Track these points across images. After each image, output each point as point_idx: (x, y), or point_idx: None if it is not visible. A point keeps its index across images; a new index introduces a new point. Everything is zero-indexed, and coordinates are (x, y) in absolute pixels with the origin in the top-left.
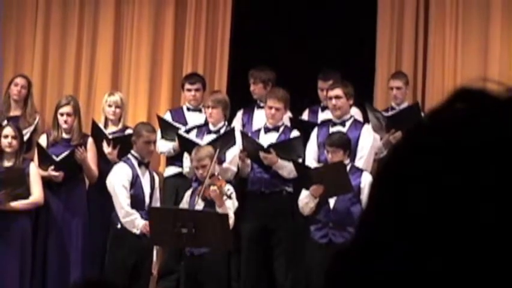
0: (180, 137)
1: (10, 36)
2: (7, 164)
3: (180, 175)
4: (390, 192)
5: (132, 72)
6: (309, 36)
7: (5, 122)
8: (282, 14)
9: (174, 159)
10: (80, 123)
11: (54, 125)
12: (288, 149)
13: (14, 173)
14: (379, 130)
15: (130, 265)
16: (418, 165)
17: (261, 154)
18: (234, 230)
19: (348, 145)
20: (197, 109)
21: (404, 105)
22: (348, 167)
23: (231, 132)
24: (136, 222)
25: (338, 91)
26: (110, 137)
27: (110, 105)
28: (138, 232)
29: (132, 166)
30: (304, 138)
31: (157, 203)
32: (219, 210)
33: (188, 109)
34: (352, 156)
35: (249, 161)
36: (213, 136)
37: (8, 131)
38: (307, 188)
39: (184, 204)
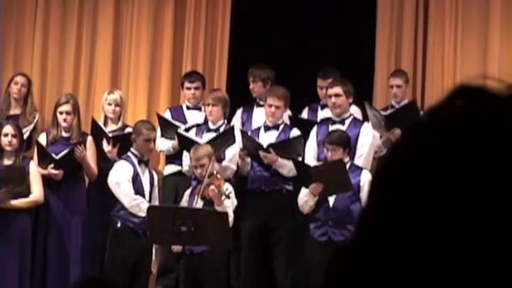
0: (180, 136)
1: (10, 35)
2: (7, 162)
3: (179, 173)
4: (390, 190)
5: (132, 71)
6: (308, 35)
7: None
8: (282, 12)
9: (174, 157)
10: (79, 121)
11: (54, 123)
12: (288, 148)
13: (14, 172)
14: (378, 128)
15: (130, 264)
16: (417, 163)
17: (261, 153)
18: (233, 228)
19: (348, 143)
20: (197, 107)
21: (404, 103)
22: (348, 165)
23: (230, 131)
24: (142, 206)
25: (338, 89)
26: (110, 135)
27: (109, 104)
28: (143, 215)
29: (132, 164)
30: (304, 136)
31: (155, 202)
32: (218, 208)
33: (188, 107)
34: (352, 154)
35: (249, 160)
36: (212, 134)
37: (8, 129)
38: (307, 186)
39: (183, 203)
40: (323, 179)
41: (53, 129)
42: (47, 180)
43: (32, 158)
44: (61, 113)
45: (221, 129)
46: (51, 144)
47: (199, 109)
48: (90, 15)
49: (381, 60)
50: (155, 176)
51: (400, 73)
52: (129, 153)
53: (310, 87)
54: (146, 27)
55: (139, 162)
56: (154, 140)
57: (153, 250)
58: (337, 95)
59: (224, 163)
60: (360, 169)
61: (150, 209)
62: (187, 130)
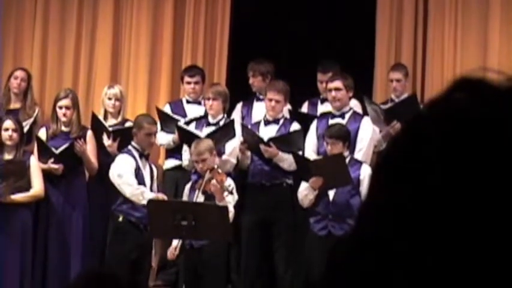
0: (180, 129)
1: (9, 30)
2: (7, 156)
3: (179, 168)
4: (389, 183)
5: (132, 65)
6: (308, 29)
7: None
8: (282, 6)
9: (174, 151)
10: (79, 116)
11: (53, 118)
12: (288, 142)
13: (15, 166)
14: (377, 123)
15: (131, 259)
16: (417, 156)
17: (262, 147)
18: (234, 222)
19: (348, 137)
20: (196, 102)
21: (404, 97)
22: (347, 159)
23: (230, 124)
24: (145, 195)
25: (338, 83)
26: (110, 129)
27: (109, 98)
28: (145, 202)
29: (134, 157)
30: (304, 130)
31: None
32: (218, 203)
33: (187, 102)
34: (352, 148)
35: (249, 153)
36: (212, 128)
37: (9, 124)
38: (307, 180)
39: (184, 198)
40: (323, 173)
41: (52, 123)
42: (47, 175)
43: (32, 152)
44: (60, 107)
45: (221, 123)
46: (51, 139)
47: (199, 103)
48: (90, 10)
49: (381, 54)
50: (155, 170)
51: (400, 67)
52: (130, 147)
53: (310, 81)
54: (146, 22)
55: (140, 156)
56: (155, 134)
57: (153, 245)
58: (337, 89)
59: (224, 157)
60: (360, 163)
61: (151, 202)
62: (187, 124)
